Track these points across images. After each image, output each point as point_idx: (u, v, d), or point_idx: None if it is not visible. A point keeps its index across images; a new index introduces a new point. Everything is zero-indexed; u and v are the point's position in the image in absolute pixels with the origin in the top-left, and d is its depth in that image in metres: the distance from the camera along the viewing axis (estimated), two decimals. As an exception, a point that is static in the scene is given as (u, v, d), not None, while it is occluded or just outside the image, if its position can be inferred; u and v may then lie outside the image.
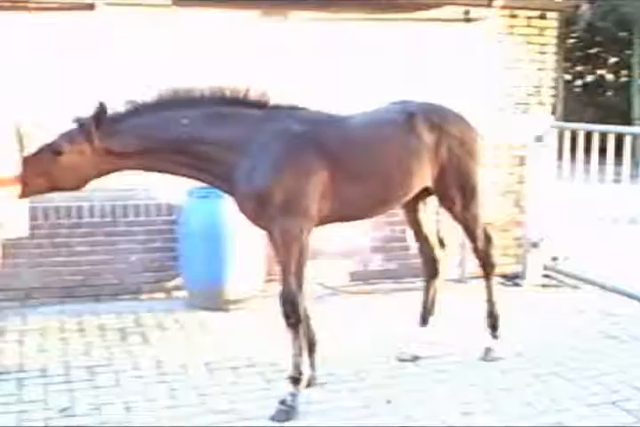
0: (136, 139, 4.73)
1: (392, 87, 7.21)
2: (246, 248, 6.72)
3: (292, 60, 7.33)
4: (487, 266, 5.92)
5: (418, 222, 5.79)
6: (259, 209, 4.84)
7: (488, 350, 5.85)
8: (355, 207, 5.17)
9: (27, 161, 4.70)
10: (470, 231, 5.74)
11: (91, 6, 6.76)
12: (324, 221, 5.02)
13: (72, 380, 5.44)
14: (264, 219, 4.87)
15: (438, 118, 5.43)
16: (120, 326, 6.59)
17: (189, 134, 4.78)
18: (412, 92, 6.80)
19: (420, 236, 5.85)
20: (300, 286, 4.89)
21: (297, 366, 4.95)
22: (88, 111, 4.71)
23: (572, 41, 23.29)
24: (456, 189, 5.50)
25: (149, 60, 6.97)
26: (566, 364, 5.80)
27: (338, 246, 7.72)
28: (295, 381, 4.94)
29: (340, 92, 7.18)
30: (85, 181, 4.84)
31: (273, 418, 4.82)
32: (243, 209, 4.98)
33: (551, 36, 8.32)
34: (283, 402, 4.89)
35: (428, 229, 5.79)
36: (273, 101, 5.00)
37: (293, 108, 5.06)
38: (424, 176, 5.35)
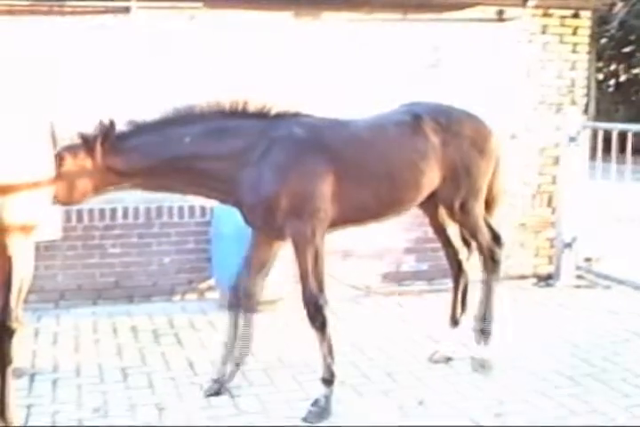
0: (139, 158, 4.72)
1: (423, 88, 7.20)
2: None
3: (322, 60, 7.33)
4: (490, 264, 5.73)
5: (439, 225, 5.77)
6: (268, 216, 4.84)
7: (476, 359, 5.67)
8: (362, 210, 5.14)
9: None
10: (472, 232, 5.63)
11: (126, 9, 6.80)
12: (333, 224, 5.00)
13: (105, 380, 5.48)
14: (275, 226, 4.88)
15: (446, 119, 5.37)
16: (153, 328, 6.63)
17: (191, 151, 4.77)
18: (443, 92, 6.81)
19: (443, 238, 5.82)
20: (320, 287, 4.88)
21: (328, 368, 4.95)
22: (95, 125, 4.71)
23: (605, 40, 23.08)
24: (461, 190, 5.42)
25: (184, 63, 7.00)
26: (599, 365, 5.76)
27: (369, 248, 7.71)
28: (327, 382, 4.95)
29: (370, 92, 7.17)
30: (81, 197, 4.80)
31: (305, 419, 4.83)
32: (252, 219, 4.97)
33: (584, 35, 8.25)
34: (315, 403, 4.90)
35: (451, 231, 5.75)
36: (275, 110, 4.97)
37: (296, 115, 5.04)
38: (433, 178, 5.30)
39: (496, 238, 5.72)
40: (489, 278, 5.74)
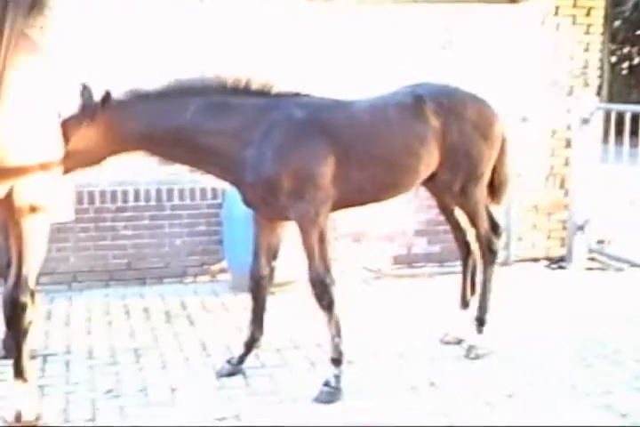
0: (138, 125, 4.67)
1: (435, 70, 7.18)
2: (289, 231, 6.72)
3: (334, 42, 7.31)
4: (487, 254, 5.66)
5: (447, 207, 5.73)
6: (269, 197, 4.82)
7: (471, 348, 5.61)
8: (359, 193, 5.10)
9: None
10: (471, 217, 5.56)
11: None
12: (332, 207, 4.99)
13: (118, 362, 5.50)
14: (276, 207, 4.88)
15: (448, 101, 5.30)
16: (165, 309, 6.64)
17: (191, 124, 4.73)
18: (455, 74, 6.78)
19: (451, 218, 5.79)
20: (326, 267, 4.87)
21: (337, 347, 4.94)
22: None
23: (619, 22, 22.97)
24: (461, 173, 5.35)
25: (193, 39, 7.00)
26: (612, 347, 5.76)
27: (381, 230, 7.71)
28: (337, 362, 4.94)
29: (382, 74, 7.14)
30: (82, 164, 4.71)
31: (317, 399, 4.84)
32: (252, 199, 4.95)
33: (598, 16, 8.20)
34: (327, 384, 4.90)
35: (459, 212, 5.72)
36: (276, 89, 4.94)
37: (297, 95, 5.00)
38: (430, 162, 5.24)
39: (494, 228, 5.67)
40: (486, 268, 5.70)
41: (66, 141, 4.48)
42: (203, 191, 7.37)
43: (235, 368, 5.28)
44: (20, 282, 4.33)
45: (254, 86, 4.91)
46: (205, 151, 4.81)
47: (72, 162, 4.56)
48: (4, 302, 4.38)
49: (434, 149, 5.21)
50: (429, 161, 5.24)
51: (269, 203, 4.88)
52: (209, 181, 7.18)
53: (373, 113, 5.17)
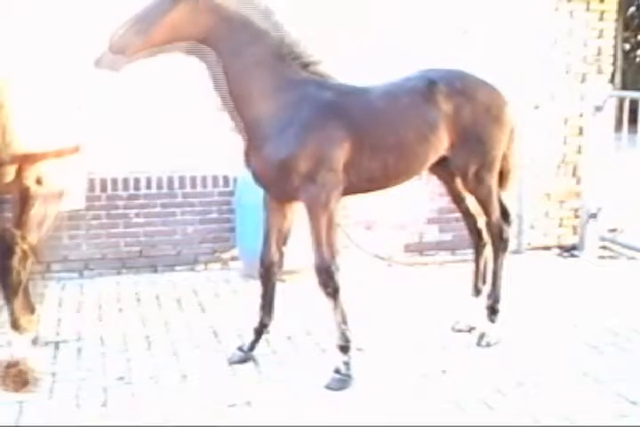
0: (218, 29, 4.61)
1: (449, 56, 7.14)
2: (301, 219, 6.72)
3: (352, 25, 7.28)
4: (498, 242, 5.64)
5: (457, 194, 5.72)
6: (283, 178, 4.80)
7: (482, 335, 5.60)
8: (369, 181, 5.08)
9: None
10: (484, 204, 5.53)
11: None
12: (342, 192, 4.96)
13: (129, 349, 5.51)
14: (287, 189, 4.85)
15: (461, 84, 5.29)
16: (177, 297, 6.65)
17: (240, 66, 4.69)
18: (468, 61, 6.74)
19: (462, 206, 5.77)
20: (333, 254, 4.86)
21: (343, 334, 4.94)
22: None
23: (633, 9, 22.84)
24: (474, 158, 5.33)
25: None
26: (623, 334, 5.75)
27: (392, 218, 7.70)
28: (344, 349, 4.95)
29: (397, 60, 7.10)
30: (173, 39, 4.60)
31: (328, 386, 4.85)
32: (264, 177, 4.94)
33: (612, 2, 8.15)
34: (337, 371, 4.91)
35: (469, 199, 5.70)
36: (316, 66, 4.94)
37: (326, 77, 4.99)
38: (442, 145, 5.23)
39: (505, 215, 5.65)
40: (497, 256, 5.67)
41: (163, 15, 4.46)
42: (215, 179, 7.37)
43: (246, 355, 5.29)
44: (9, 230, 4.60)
45: (304, 57, 4.88)
46: (239, 93, 4.75)
47: (156, 36, 4.50)
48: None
49: (444, 133, 5.21)
50: (439, 146, 5.24)
51: (282, 183, 4.86)
52: (221, 169, 7.26)
53: (388, 100, 5.15)
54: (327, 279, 4.87)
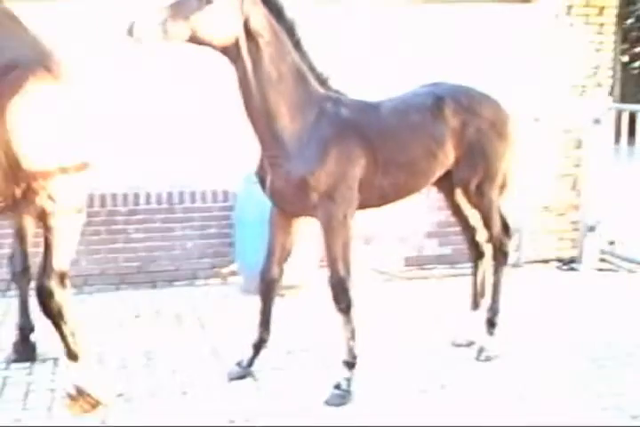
0: (263, 31, 4.61)
1: (447, 69, 7.15)
2: (300, 234, 6.73)
3: (353, 41, 7.32)
4: (499, 255, 5.67)
5: (457, 207, 5.73)
6: (301, 195, 4.80)
7: (482, 350, 5.61)
8: (380, 197, 5.14)
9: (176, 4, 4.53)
10: (485, 217, 5.56)
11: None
12: None
13: (129, 365, 5.50)
14: (304, 206, 4.86)
15: (467, 100, 5.35)
16: (176, 312, 6.64)
17: (270, 75, 4.68)
18: (467, 74, 6.75)
19: (461, 219, 5.79)
20: (348, 270, 4.88)
21: (351, 351, 4.95)
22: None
23: (630, 21, 22.90)
24: (477, 171, 5.37)
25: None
26: (623, 348, 5.74)
27: (392, 232, 7.71)
28: (350, 365, 4.95)
29: (396, 73, 7.13)
30: (219, 36, 4.53)
31: (328, 402, 4.85)
32: (281, 194, 4.92)
33: (610, 15, 8.17)
34: (337, 386, 4.91)
35: (469, 212, 5.71)
36: (332, 83, 4.99)
37: (339, 93, 5.03)
38: (447, 161, 5.30)
39: (506, 229, 5.67)
40: (497, 269, 5.69)
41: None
42: (214, 194, 7.38)
43: (244, 371, 5.29)
44: (46, 271, 4.52)
45: (321, 74, 4.93)
46: (263, 103, 4.72)
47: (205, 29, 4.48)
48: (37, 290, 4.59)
49: (451, 149, 5.27)
50: (446, 161, 5.30)
51: (299, 200, 4.86)
52: (220, 184, 7.27)
53: (398, 116, 5.19)
54: (341, 295, 4.89)
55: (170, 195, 7.31)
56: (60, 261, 4.55)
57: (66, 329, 4.66)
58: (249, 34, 4.57)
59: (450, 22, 7.62)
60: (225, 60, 4.65)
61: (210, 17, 4.43)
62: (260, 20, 4.60)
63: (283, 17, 4.72)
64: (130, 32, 4.34)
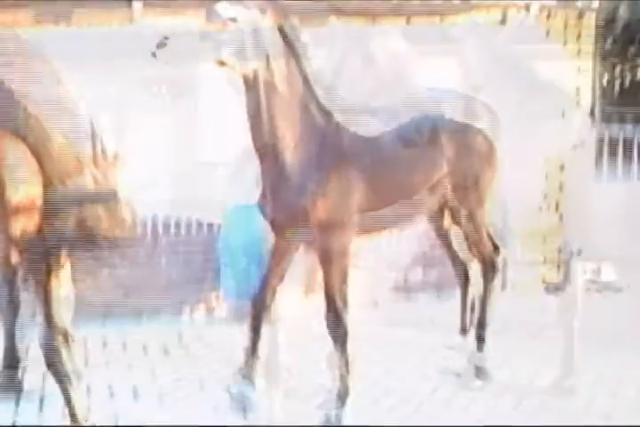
0: None
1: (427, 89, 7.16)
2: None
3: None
4: (490, 273, 5.79)
5: (444, 233, 5.80)
6: (301, 225, 4.84)
7: (477, 368, 5.66)
8: (378, 225, 5.22)
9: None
10: (474, 238, 5.67)
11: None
12: None
13: (116, 397, 5.47)
14: (304, 235, 4.88)
15: (459, 132, 5.45)
16: (162, 342, 6.61)
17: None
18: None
19: (448, 246, 5.84)
20: (343, 300, 4.88)
21: (343, 382, 4.93)
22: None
23: (609, 41, 23.05)
24: (467, 197, 5.51)
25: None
26: (609, 375, 5.73)
27: (377, 259, 7.68)
28: (341, 399, 4.93)
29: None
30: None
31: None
32: (282, 223, 4.98)
33: (589, 37, 8.21)
34: (327, 419, 4.87)
35: (456, 239, 5.75)
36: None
37: (339, 123, 5.07)
38: (440, 191, 5.40)
39: (495, 248, 5.75)
40: (487, 287, 5.76)
41: None
42: (199, 223, 7.35)
43: (234, 398, 5.24)
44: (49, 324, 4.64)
45: (324, 107, 4.99)
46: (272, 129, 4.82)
47: None
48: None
49: (446, 177, 5.36)
50: (439, 192, 5.40)
51: (298, 226, 4.91)
52: (205, 213, 7.25)
53: (397, 148, 5.26)
54: (337, 326, 4.91)
55: (154, 225, 7.26)
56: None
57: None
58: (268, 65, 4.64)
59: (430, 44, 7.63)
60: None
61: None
62: (278, 53, 4.69)
63: (295, 49, 4.79)
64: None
